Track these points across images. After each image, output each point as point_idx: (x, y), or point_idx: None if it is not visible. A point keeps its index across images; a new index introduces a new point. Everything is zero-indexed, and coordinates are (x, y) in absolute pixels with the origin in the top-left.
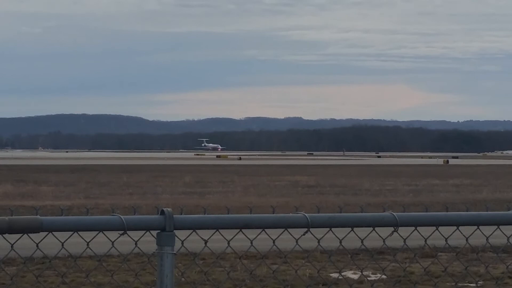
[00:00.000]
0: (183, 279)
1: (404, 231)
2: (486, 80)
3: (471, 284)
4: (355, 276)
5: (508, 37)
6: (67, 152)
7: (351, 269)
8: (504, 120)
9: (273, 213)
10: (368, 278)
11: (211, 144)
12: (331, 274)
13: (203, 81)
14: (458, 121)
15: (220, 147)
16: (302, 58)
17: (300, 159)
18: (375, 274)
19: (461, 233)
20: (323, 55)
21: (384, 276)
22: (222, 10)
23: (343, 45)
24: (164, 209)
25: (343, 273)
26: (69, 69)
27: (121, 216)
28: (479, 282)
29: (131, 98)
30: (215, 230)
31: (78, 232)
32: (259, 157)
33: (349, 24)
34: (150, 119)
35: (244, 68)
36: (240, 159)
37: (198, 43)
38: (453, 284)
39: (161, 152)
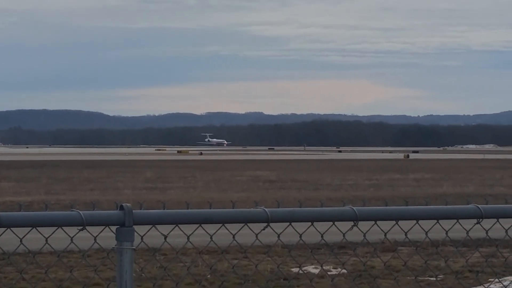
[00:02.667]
0: (143, 274)
1: (364, 225)
2: (446, 75)
3: (431, 278)
4: (316, 271)
5: (468, 32)
6: (27, 147)
7: (312, 264)
8: (464, 115)
9: (233, 208)
10: (329, 273)
11: (215, 139)
12: (292, 269)
13: (164, 76)
14: (419, 116)
15: (226, 142)
16: (264, 53)
17: (261, 154)
18: (336, 268)
19: (421, 227)
20: (284, 50)
21: (344, 271)
22: (184, 6)
23: (304, 40)
24: (123, 204)
25: (304, 268)
26: (29, 65)
27: (80, 212)
28: (439, 276)
29: (91, 93)
30: (174, 225)
31: (37, 228)
32: (220, 152)
33: (310, 20)
34: (111, 114)
35: (206, 63)
36: (201, 154)
37: (160, 39)
38: (413, 278)
39: (122, 147)
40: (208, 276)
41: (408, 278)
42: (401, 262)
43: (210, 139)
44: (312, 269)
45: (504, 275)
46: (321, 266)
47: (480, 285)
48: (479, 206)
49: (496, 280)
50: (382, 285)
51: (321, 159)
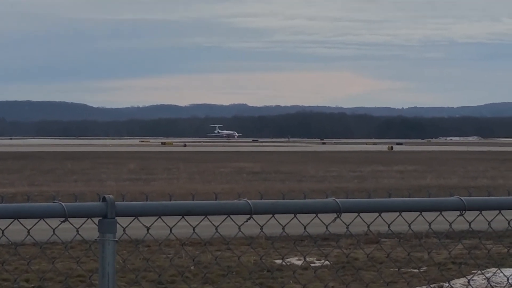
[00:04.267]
0: (127, 266)
1: (347, 217)
2: (430, 67)
3: (415, 270)
4: (299, 262)
5: (451, 24)
6: (11, 139)
7: (295, 256)
8: (448, 107)
9: (216, 200)
10: (312, 265)
11: (225, 131)
12: (276, 261)
13: (148, 68)
14: (403, 108)
15: (236, 134)
16: (248, 45)
17: (245, 145)
18: (320, 260)
19: (404, 219)
20: (269, 42)
21: (328, 262)
22: None
23: (289, 32)
24: (106, 196)
25: (287, 260)
26: (13, 56)
27: (62, 203)
28: (423, 268)
29: (75, 85)
30: (157, 217)
31: (19, 219)
32: (204, 144)
33: (294, 12)
34: (95, 106)
35: (190, 55)
36: (185, 145)
37: (144, 30)
38: (396, 270)
39: (106, 139)
40: (192, 268)
41: (392, 270)
42: (384, 254)
43: (220, 131)
44: (296, 261)
45: (487, 266)
46: (304, 258)
47: (463, 277)
48: (462, 198)
49: (479, 272)
50: (365, 277)
51: (305, 151)
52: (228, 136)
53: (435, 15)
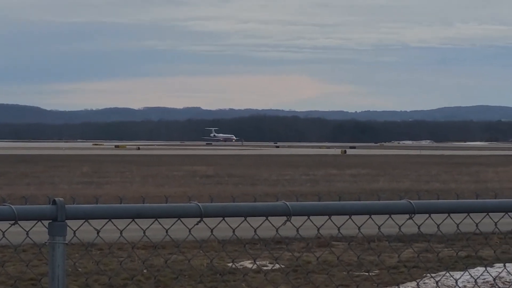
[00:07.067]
0: (79, 269)
1: (298, 220)
2: (383, 71)
3: (366, 273)
4: (251, 266)
5: (404, 29)
6: None
7: (248, 259)
8: (400, 111)
9: (167, 203)
10: (265, 268)
11: (221, 134)
12: (229, 264)
13: (101, 71)
14: (356, 112)
15: (234, 137)
16: (202, 48)
17: (198, 149)
18: (272, 263)
19: (354, 222)
20: (223, 45)
21: (279, 266)
22: (123, 0)
23: (242, 35)
24: (56, 198)
25: (240, 263)
26: None
27: (12, 206)
28: (375, 271)
29: (28, 87)
30: (107, 220)
31: None
32: (158, 147)
33: (248, 15)
34: (48, 108)
35: (143, 58)
36: (138, 149)
37: (98, 33)
38: (347, 273)
39: (59, 142)
40: (144, 271)
41: (344, 273)
42: (336, 257)
43: (216, 134)
44: (248, 264)
45: (438, 270)
46: (254, 261)
47: (413, 280)
48: (411, 201)
49: (429, 275)
50: (317, 280)
51: (259, 154)
52: (225, 140)
53: (388, 19)
